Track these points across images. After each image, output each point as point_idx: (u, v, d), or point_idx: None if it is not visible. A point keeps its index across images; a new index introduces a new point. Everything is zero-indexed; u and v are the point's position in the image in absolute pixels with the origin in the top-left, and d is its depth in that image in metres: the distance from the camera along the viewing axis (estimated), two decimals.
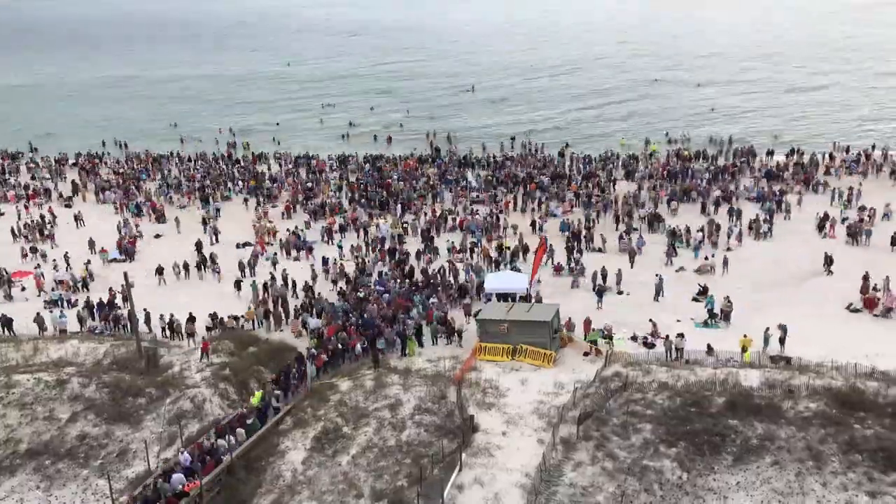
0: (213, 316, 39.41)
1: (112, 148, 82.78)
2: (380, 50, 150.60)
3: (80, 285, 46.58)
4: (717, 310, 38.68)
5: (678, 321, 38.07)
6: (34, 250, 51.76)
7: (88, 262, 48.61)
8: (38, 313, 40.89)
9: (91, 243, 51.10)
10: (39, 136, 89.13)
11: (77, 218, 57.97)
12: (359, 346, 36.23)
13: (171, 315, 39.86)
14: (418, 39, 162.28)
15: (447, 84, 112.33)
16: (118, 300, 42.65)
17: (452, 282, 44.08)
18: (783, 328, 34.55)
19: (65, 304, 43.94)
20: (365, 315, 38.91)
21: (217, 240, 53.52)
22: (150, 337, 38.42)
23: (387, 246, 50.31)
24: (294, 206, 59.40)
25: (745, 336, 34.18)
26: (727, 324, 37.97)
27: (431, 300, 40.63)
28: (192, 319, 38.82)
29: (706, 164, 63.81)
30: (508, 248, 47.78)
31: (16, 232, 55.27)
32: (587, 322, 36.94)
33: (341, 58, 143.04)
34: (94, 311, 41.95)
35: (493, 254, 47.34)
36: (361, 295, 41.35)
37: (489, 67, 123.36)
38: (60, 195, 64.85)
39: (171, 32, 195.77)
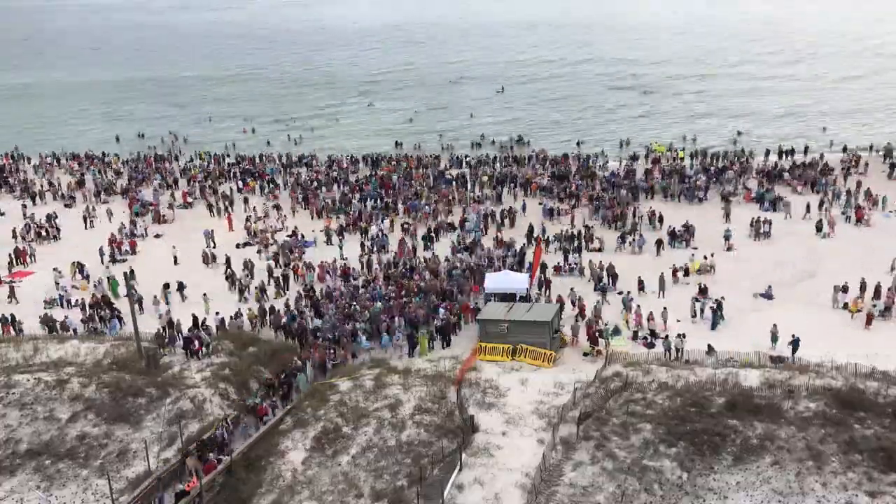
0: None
1: (113, 147, 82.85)
2: (399, 47, 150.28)
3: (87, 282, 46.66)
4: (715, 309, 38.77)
5: (678, 321, 38.17)
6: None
7: (83, 266, 48.31)
8: (45, 313, 40.99)
9: (101, 251, 50.83)
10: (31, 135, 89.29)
11: (86, 218, 58.02)
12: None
13: (171, 317, 39.84)
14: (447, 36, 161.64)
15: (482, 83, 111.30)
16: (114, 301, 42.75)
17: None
18: (776, 346, 34.77)
19: (65, 303, 43.96)
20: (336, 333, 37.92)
21: (215, 242, 53.36)
22: (149, 337, 38.39)
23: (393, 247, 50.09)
24: (294, 207, 59.31)
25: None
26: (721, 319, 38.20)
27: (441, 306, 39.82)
28: (196, 324, 38.68)
29: (704, 165, 63.73)
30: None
31: (17, 232, 55.28)
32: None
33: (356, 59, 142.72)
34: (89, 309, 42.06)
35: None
36: (349, 310, 40.38)
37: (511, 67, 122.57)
38: (62, 195, 64.84)
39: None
